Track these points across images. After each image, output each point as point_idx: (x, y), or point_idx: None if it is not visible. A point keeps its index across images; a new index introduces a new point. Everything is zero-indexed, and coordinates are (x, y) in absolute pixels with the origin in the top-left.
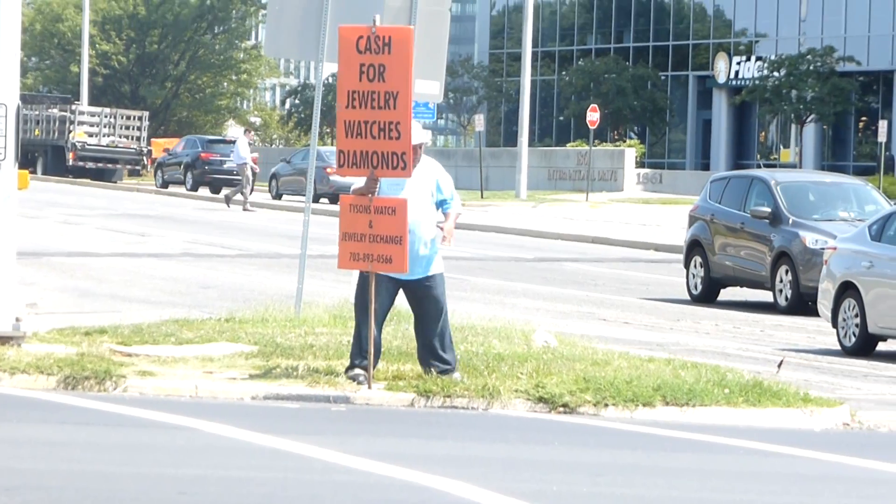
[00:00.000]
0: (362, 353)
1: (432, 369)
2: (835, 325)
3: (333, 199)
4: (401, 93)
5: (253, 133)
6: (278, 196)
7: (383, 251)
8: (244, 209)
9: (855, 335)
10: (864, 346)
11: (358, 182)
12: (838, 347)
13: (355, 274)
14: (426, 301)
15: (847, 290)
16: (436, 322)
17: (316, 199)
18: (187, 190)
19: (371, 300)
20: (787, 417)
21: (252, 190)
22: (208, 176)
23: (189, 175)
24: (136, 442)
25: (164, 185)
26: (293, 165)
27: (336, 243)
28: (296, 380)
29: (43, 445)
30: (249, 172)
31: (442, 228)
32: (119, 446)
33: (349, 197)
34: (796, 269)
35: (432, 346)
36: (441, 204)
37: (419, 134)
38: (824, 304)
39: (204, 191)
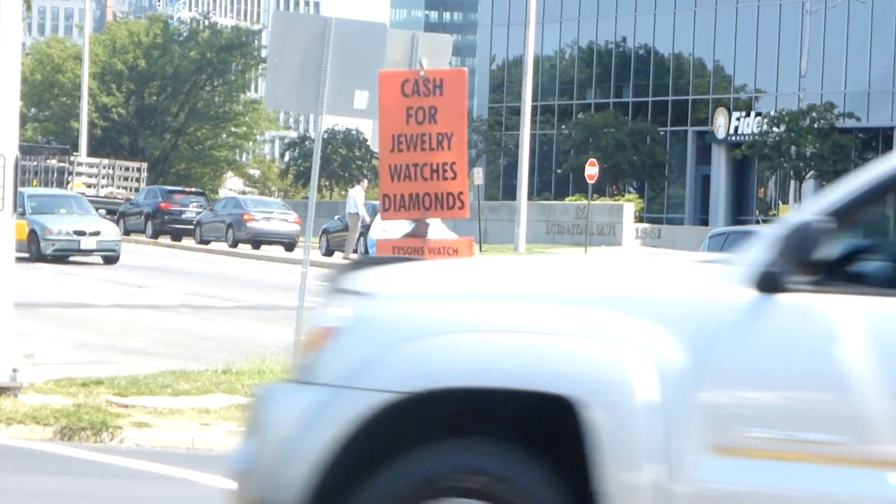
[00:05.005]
0: None
1: None
2: None
3: (255, 245)
4: (455, 133)
5: (365, 182)
6: (204, 242)
7: None
8: (344, 257)
9: None
10: None
11: (399, 229)
12: None
13: None
14: None
15: None
16: None
17: (234, 245)
18: (148, 238)
19: None
20: None
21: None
22: (168, 225)
23: (149, 225)
24: (132, 493)
25: (127, 233)
26: (216, 214)
27: None
28: None
29: (39, 496)
30: (359, 224)
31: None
32: (115, 497)
33: (386, 242)
34: None
35: None
36: None
37: None
38: None
39: (165, 239)
